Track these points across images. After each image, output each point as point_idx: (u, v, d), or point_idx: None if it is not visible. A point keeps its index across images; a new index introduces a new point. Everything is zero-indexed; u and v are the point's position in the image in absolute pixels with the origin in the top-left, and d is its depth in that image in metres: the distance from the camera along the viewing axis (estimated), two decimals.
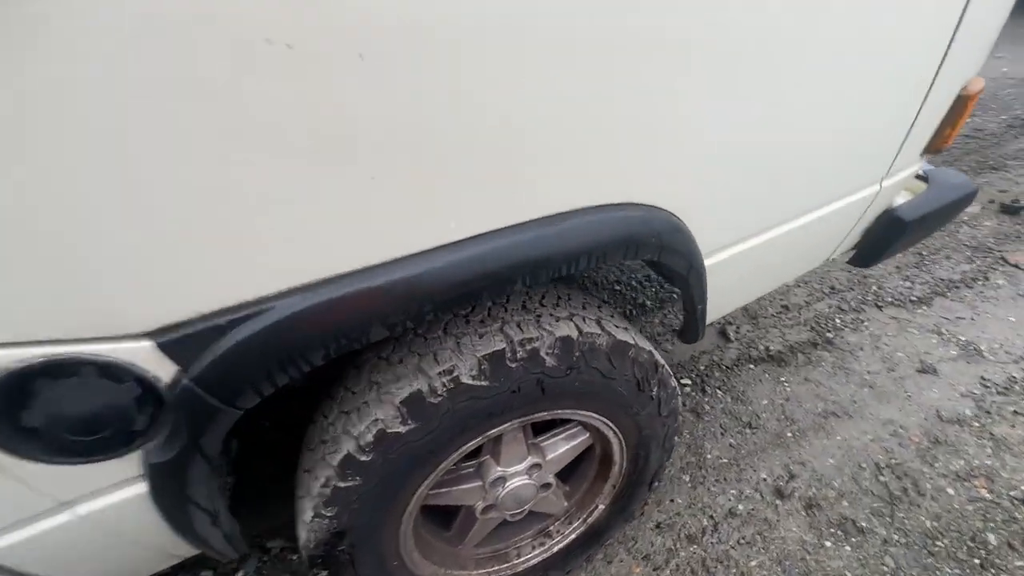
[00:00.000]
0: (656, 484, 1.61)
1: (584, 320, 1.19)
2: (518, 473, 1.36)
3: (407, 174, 0.72)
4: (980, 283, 2.88)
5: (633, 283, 2.97)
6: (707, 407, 2.29)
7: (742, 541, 1.78)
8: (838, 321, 2.69)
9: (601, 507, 1.56)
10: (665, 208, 1.00)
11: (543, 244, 0.87)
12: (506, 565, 1.55)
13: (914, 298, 2.81)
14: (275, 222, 0.67)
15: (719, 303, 1.33)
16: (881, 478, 1.95)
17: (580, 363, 1.15)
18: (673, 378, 1.38)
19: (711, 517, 1.86)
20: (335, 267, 0.75)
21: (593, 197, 0.90)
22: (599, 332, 1.18)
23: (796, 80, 0.99)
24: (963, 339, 2.53)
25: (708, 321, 1.41)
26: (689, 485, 1.98)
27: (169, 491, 0.82)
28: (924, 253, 3.16)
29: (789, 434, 2.15)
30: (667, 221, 1.01)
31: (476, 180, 0.77)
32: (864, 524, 1.81)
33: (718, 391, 2.36)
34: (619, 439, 1.40)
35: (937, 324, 2.64)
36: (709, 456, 2.08)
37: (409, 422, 1.04)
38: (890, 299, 2.82)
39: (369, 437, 1.04)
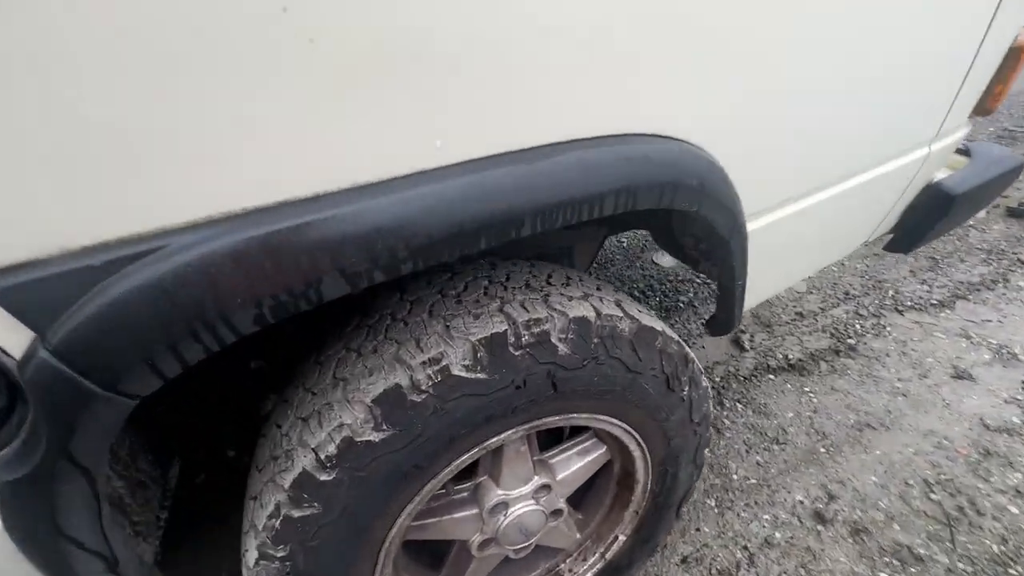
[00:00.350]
0: (684, 508, 1.36)
1: (602, 301, 0.97)
2: (523, 497, 1.11)
3: (371, 65, 0.51)
4: (1001, 285, 2.73)
5: (635, 294, 2.77)
6: (727, 422, 2.05)
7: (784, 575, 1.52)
8: (858, 327, 2.50)
9: (621, 538, 1.31)
10: (707, 151, 0.81)
11: (561, 175, 0.66)
12: None
13: (934, 301, 2.64)
14: (181, 126, 0.46)
15: (757, 284, 1.12)
16: (933, 496, 1.71)
17: (599, 352, 0.93)
18: (705, 376, 1.16)
19: (745, 548, 1.60)
20: (270, 193, 0.53)
21: (625, 123, 0.70)
22: (620, 315, 0.97)
23: (848, 23, 0.83)
24: (994, 343, 2.35)
25: (744, 307, 1.20)
26: (716, 511, 1.72)
27: (28, 520, 0.57)
28: (937, 257, 3.02)
29: (822, 449, 1.92)
30: (709, 165, 0.81)
31: (474, 89, 0.57)
32: (922, 551, 1.56)
33: (737, 404, 2.13)
34: (643, 452, 1.16)
35: (964, 328, 2.46)
36: (735, 477, 1.83)
37: (384, 427, 0.80)
38: (909, 303, 2.64)
39: (331, 448, 0.80)
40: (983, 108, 1.25)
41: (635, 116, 0.71)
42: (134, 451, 1.06)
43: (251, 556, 0.85)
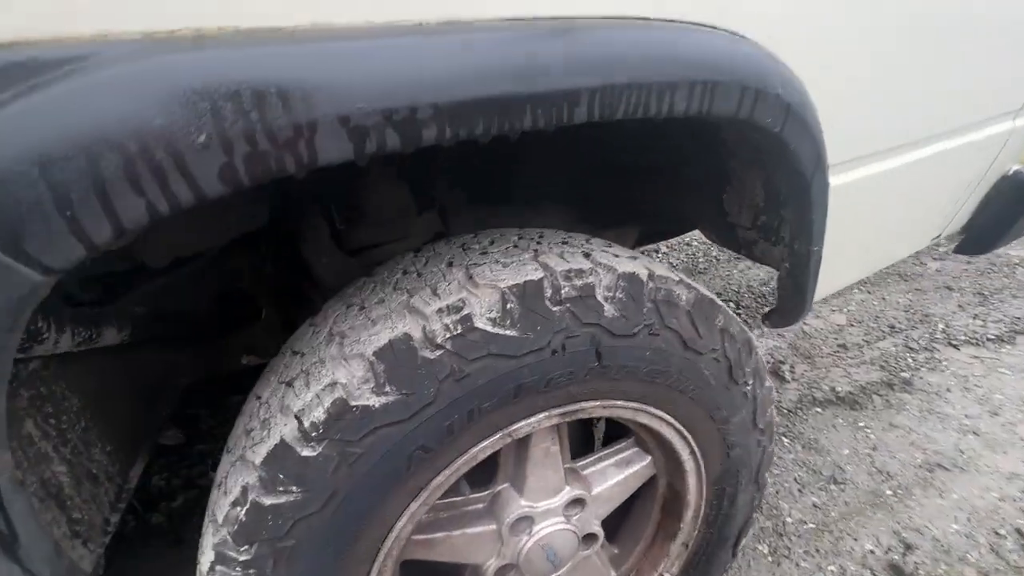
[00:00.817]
0: (741, 545, 1.12)
1: (653, 263, 0.82)
2: (551, 512, 0.90)
3: None
4: None
5: None
6: (774, 459, 1.80)
7: None
8: (910, 360, 2.28)
9: None
10: (792, 70, 0.68)
11: (634, 51, 0.53)
12: None
13: (991, 336, 2.42)
14: None
15: (830, 266, 0.96)
16: None
17: (653, 319, 0.76)
18: (767, 371, 0.97)
19: None
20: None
21: (708, 14, 0.58)
22: (676, 279, 0.80)
23: None
24: None
25: (807, 309, 1.03)
26: (770, 559, 1.46)
27: None
28: (985, 293, 2.82)
29: (888, 491, 1.66)
30: (795, 85, 0.68)
31: None
32: None
33: (783, 438, 1.89)
34: (697, 463, 0.95)
35: None
36: (789, 520, 1.58)
37: (387, 389, 0.63)
38: (963, 338, 2.42)
39: (319, 413, 0.62)
40: None
41: (721, 9, 0.59)
42: (88, 437, 0.89)
43: (205, 560, 0.66)
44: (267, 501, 0.63)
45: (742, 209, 1.03)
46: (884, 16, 0.75)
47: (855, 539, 1.51)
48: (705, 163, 1.01)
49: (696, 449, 0.93)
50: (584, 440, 1.13)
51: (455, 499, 0.88)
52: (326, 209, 1.15)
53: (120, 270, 0.95)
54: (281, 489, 0.63)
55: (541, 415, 0.76)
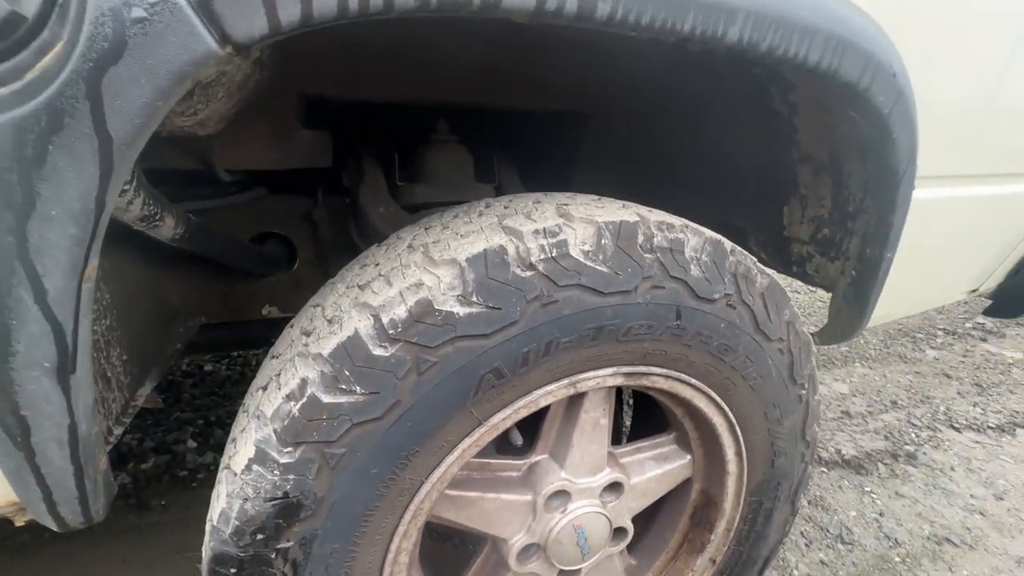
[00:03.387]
0: (766, 572, 1.05)
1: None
2: (589, 491, 0.84)
3: None
4: None
5: None
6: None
7: None
8: (914, 435, 2.27)
9: None
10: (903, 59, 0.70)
11: None
12: None
13: (992, 425, 2.42)
14: None
15: (886, 293, 0.96)
16: None
17: (732, 290, 0.75)
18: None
19: None
20: None
21: None
22: (753, 260, 0.80)
23: None
24: None
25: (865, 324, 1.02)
26: None
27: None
28: (982, 384, 2.85)
29: (897, 558, 1.60)
30: (907, 74, 0.70)
31: None
32: None
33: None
34: (741, 465, 0.91)
35: None
36: (796, 573, 1.50)
37: (475, 300, 0.60)
38: (964, 422, 2.42)
39: (400, 311, 0.59)
40: None
41: None
42: (110, 337, 0.83)
43: (240, 458, 0.59)
44: (326, 398, 0.58)
45: (803, 221, 1.04)
46: (997, 32, 0.79)
47: None
48: (771, 168, 1.03)
49: (744, 448, 0.89)
50: (615, 434, 1.08)
51: (492, 461, 0.82)
52: (388, 162, 1.15)
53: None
54: (344, 387, 0.58)
55: (609, 370, 0.72)
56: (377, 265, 0.68)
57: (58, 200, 0.38)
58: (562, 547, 0.83)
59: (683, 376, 0.78)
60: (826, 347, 3.20)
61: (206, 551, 0.61)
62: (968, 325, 3.78)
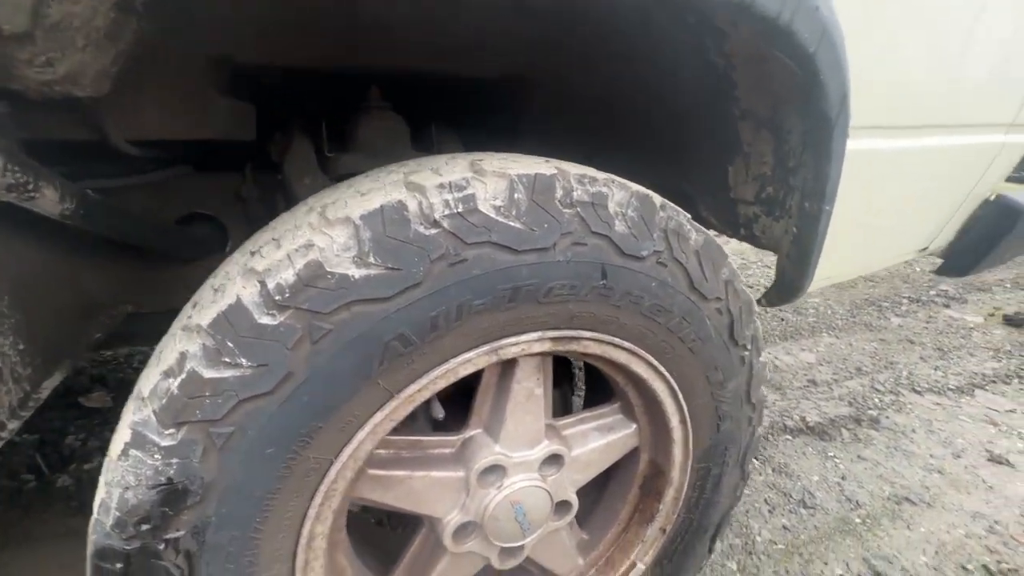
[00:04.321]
0: (719, 539, 1.04)
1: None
2: (526, 465, 0.81)
3: None
4: (1017, 380, 2.59)
5: None
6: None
7: None
8: (877, 400, 2.30)
9: (640, 567, 0.97)
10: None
11: None
12: None
13: (952, 387, 2.48)
14: None
15: (829, 249, 0.93)
16: None
17: (662, 247, 0.71)
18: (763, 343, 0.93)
19: None
20: None
21: None
22: (687, 216, 0.76)
23: None
24: None
25: (808, 284, 1.00)
26: None
27: None
28: (944, 349, 2.91)
29: (857, 520, 1.61)
30: (832, 8, 0.66)
31: None
32: None
33: (755, 460, 1.84)
34: (686, 431, 0.88)
35: (988, 415, 2.27)
36: (759, 539, 1.51)
37: (373, 259, 0.55)
38: (926, 385, 2.47)
39: (288, 275, 0.54)
40: None
41: None
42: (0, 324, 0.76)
43: (117, 442, 0.54)
44: (208, 373, 0.53)
45: (748, 180, 1.01)
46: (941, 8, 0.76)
47: (824, 563, 1.44)
48: (714, 129, 1.00)
49: (687, 415, 0.86)
50: (564, 406, 1.05)
51: (420, 439, 0.78)
52: (317, 132, 1.08)
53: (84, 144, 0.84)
54: (228, 361, 0.53)
55: (534, 334, 0.68)
56: (272, 230, 0.63)
57: None
58: (499, 524, 0.80)
59: (616, 340, 0.75)
60: (793, 319, 3.24)
61: (89, 546, 0.56)
62: (932, 292, 3.86)
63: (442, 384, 0.66)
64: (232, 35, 0.88)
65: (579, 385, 1.25)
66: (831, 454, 1.92)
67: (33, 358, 0.84)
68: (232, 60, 0.90)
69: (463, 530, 0.80)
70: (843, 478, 1.80)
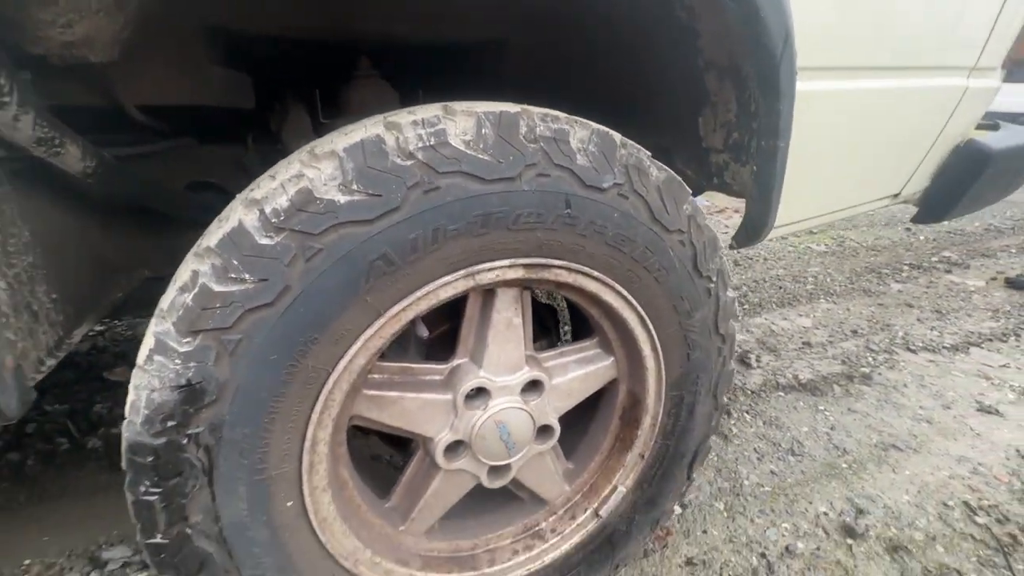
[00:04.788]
0: (697, 466, 1.11)
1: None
2: (508, 389, 0.89)
3: None
4: (1013, 338, 2.62)
5: None
6: (735, 430, 1.82)
7: None
8: (871, 359, 2.35)
9: (621, 490, 1.05)
10: None
11: None
12: (470, 575, 0.98)
13: (947, 345, 2.51)
14: None
15: (792, 191, 0.99)
16: (977, 520, 1.46)
17: (623, 180, 0.78)
18: (731, 277, 0.99)
19: (762, 555, 1.32)
20: None
21: None
22: (648, 154, 0.83)
23: None
24: (1017, 385, 2.19)
25: (772, 229, 1.06)
26: (725, 515, 1.45)
27: None
28: (942, 311, 2.94)
29: (844, 465, 1.68)
30: None
31: None
32: None
33: (746, 415, 1.91)
34: (658, 360, 0.96)
35: (981, 370, 2.31)
36: (746, 483, 1.58)
37: (355, 188, 0.63)
38: (921, 344, 2.51)
39: (282, 201, 0.63)
40: (1016, 54, 1.22)
41: None
42: (34, 274, 0.85)
43: (144, 349, 0.63)
44: (217, 287, 0.61)
45: (716, 129, 1.07)
46: None
47: (809, 502, 1.51)
48: (685, 82, 1.05)
49: (658, 343, 0.94)
50: (548, 343, 1.13)
51: (412, 366, 0.87)
52: (311, 101, 1.16)
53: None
54: (233, 276, 0.61)
55: (507, 261, 0.76)
56: (272, 167, 0.71)
57: None
58: (486, 442, 0.88)
59: (585, 269, 0.82)
60: (792, 286, 3.27)
61: (123, 443, 0.65)
62: (934, 259, 3.87)
63: (425, 305, 0.74)
64: (225, 5, 0.95)
65: (566, 330, 1.32)
66: (822, 408, 1.98)
67: (64, 307, 0.93)
68: (226, 30, 0.98)
69: (453, 448, 0.88)
70: (832, 428, 1.86)
